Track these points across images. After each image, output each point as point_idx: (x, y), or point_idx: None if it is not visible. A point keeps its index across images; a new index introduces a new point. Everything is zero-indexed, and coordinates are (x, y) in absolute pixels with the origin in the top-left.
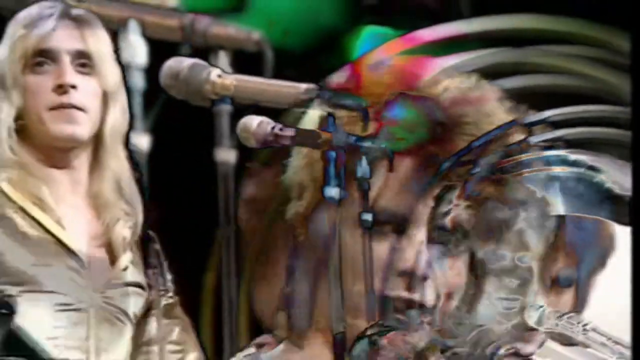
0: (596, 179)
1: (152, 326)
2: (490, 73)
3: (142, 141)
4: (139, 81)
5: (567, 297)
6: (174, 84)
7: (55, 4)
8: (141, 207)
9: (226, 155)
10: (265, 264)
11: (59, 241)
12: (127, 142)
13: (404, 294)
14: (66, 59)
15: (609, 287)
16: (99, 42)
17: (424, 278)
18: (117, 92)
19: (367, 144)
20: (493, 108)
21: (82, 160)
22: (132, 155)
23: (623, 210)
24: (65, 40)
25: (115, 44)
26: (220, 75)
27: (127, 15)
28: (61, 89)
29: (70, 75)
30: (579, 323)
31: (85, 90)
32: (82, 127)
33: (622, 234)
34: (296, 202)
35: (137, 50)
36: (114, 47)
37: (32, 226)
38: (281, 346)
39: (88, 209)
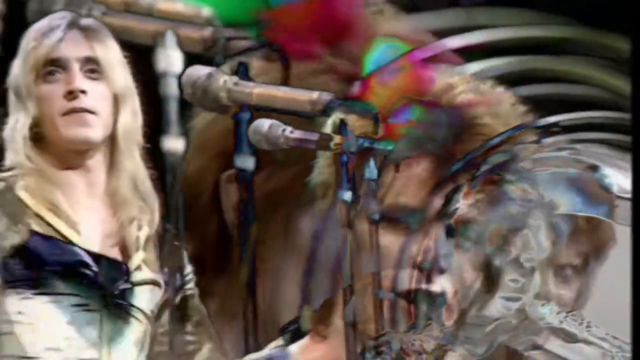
0: (598, 180)
1: (168, 319)
2: (506, 80)
3: (177, 145)
4: (174, 88)
5: (574, 289)
6: (192, 92)
7: (65, 15)
8: (157, 205)
9: (244, 161)
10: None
11: (73, 245)
12: (154, 144)
13: (421, 286)
14: (75, 67)
15: (608, 286)
16: (106, 48)
17: (440, 271)
18: (127, 95)
19: (377, 146)
20: (506, 111)
21: (97, 162)
22: (164, 157)
23: (624, 210)
24: (73, 48)
25: (149, 55)
26: (236, 83)
27: (155, 29)
28: (72, 94)
29: (80, 81)
30: (582, 320)
31: (96, 95)
32: (95, 130)
33: (622, 234)
34: (321, 201)
35: (173, 59)
36: (150, 58)
37: (47, 231)
38: (307, 337)
39: (104, 209)
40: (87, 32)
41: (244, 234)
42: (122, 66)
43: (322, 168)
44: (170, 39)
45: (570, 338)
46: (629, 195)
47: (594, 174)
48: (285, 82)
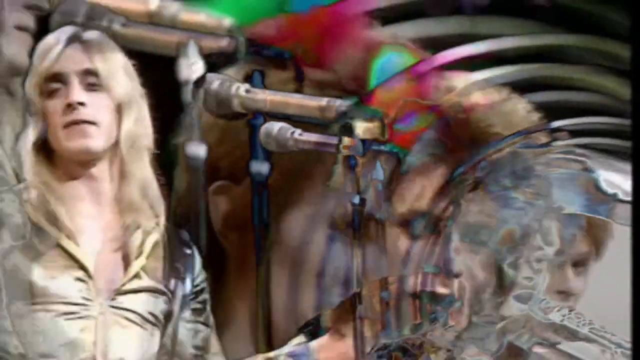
0: (594, 180)
1: (172, 330)
2: (516, 87)
3: (200, 150)
4: (199, 96)
5: (582, 280)
6: (205, 98)
7: (68, 30)
8: (163, 209)
9: (259, 166)
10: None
11: (71, 256)
12: (162, 150)
13: (437, 289)
14: (74, 80)
15: (608, 286)
16: (105, 59)
17: (456, 275)
18: (131, 102)
19: (384, 148)
20: (520, 118)
21: (102, 170)
22: (172, 162)
23: (623, 210)
24: (72, 62)
25: (172, 65)
26: (248, 90)
27: (175, 40)
28: (70, 107)
29: (77, 93)
30: (583, 318)
31: (96, 105)
32: (95, 140)
33: (621, 234)
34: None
35: (194, 68)
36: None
37: (45, 244)
38: (326, 335)
39: (110, 215)
40: (87, 45)
41: (260, 237)
42: (125, 75)
43: (341, 172)
44: (192, 48)
45: (572, 335)
46: (629, 198)
47: (590, 174)
48: (298, 90)
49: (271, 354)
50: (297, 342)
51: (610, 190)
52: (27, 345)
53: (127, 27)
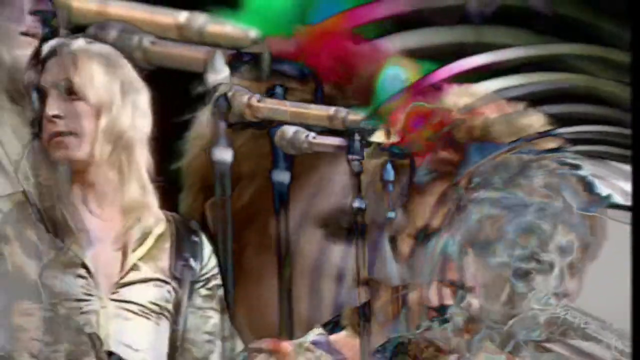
0: (593, 183)
1: (183, 318)
2: (532, 99)
3: (226, 155)
4: (222, 103)
5: (577, 281)
6: (218, 107)
7: (49, 44)
8: (156, 202)
9: (281, 175)
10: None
11: (74, 255)
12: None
13: (449, 302)
14: (53, 93)
15: (608, 286)
16: (79, 67)
17: (470, 289)
18: (109, 104)
19: (391, 150)
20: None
21: (98, 175)
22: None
23: (623, 212)
24: (50, 76)
25: (199, 78)
26: (260, 100)
27: (205, 57)
28: (49, 121)
29: (52, 107)
30: (584, 315)
31: (74, 115)
32: (74, 150)
33: (621, 234)
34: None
35: (221, 77)
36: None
37: (50, 245)
38: (343, 332)
39: (113, 217)
40: (64, 57)
41: (282, 243)
42: (102, 78)
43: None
44: (219, 59)
45: (573, 331)
46: (628, 199)
47: (583, 175)
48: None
49: (295, 341)
50: (317, 333)
51: (604, 192)
52: (34, 343)
53: (156, 45)
